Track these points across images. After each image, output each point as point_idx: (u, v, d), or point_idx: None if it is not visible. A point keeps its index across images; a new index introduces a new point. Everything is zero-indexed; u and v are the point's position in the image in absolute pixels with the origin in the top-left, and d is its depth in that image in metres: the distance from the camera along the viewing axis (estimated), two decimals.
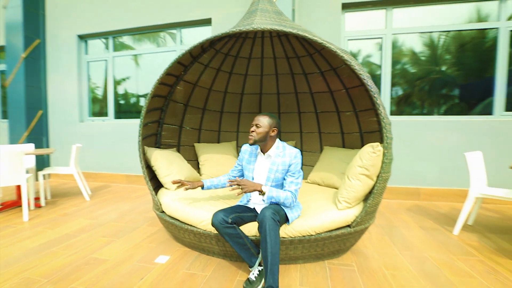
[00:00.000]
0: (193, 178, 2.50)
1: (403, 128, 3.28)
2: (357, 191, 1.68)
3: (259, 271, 1.57)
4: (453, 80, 3.54)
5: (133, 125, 4.21)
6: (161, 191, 2.16)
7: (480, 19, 3.38)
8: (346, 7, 3.48)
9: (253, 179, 1.73)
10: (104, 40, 4.56)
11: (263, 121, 1.64)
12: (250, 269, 1.59)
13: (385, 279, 1.64)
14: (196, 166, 2.87)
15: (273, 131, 1.65)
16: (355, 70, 1.66)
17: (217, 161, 2.77)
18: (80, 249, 2.00)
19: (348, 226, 1.72)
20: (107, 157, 4.38)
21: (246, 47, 2.75)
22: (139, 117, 4.34)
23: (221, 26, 3.72)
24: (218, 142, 3.10)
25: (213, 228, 1.70)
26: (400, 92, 3.59)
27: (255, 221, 1.68)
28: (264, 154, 1.71)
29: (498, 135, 3.17)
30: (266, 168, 1.69)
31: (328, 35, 3.34)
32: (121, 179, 4.36)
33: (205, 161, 2.76)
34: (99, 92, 4.68)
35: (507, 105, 3.31)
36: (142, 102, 4.46)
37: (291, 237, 1.62)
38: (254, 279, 1.52)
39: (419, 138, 3.30)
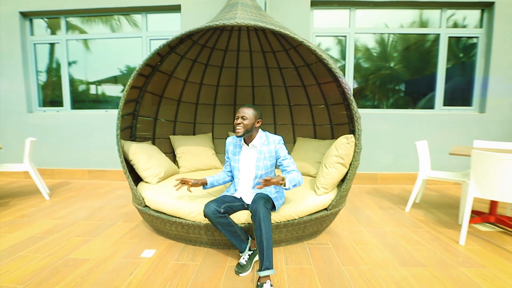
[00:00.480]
0: (172, 171, 2.47)
1: (362, 120, 3.65)
2: (333, 177, 1.88)
3: (249, 255, 1.68)
4: (400, 76, 4.02)
5: (93, 116, 3.90)
6: (142, 186, 2.11)
7: (425, 24, 3.87)
8: (314, 4, 3.66)
9: (239, 170, 1.80)
10: (48, 20, 4.05)
11: (249, 113, 1.69)
12: (241, 254, 1.70)
13: (356, 252, 1.89)
14: (173, 158, 2.83)
15: (257, 122, 1.73)
16: (332, 69, 1.82)
17: (194, 153, 2.77)
18: (54, 251, 1.87)
19: (325, 209, 1.93)
20: (65, 151, 3.99)
21: (223, 40, 2.75)
22: (95, 108, 4.04)
23: (191, 14, 3.61)
24: (194, 134, 3.07)
25: (203, 219, 1.75)
26: (355, 86, 3.95)
27: (243, 210, 1.78)
28: (248, 145, 1.79)
29: (438, 126, 3.74)
30: (253, 158, 1.78)
31: (297, 30, 3.49)
32: (82, 175, 4.04)
33: (182, 153, 2.74)
34: (48, 79, 4.18)
35: (445, 101, 3.90)
36: (93, 90, 4.12)
37: (277, 222, 1.76)
38: (245, 262, 1.64)
39: (375, 129, 3.71)
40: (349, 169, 1.89)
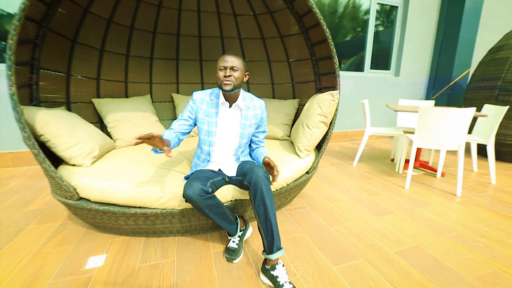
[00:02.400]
0: (108, 147, 1.83)
1: None
2: (317, 138, 1.76)
3: (239, 237, 1.43)
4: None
5: None
6: (67, 171, 1.45)
7: None
8: None
9: (215, 135, 1.42)
10: None
11: (239, 64, 1.30)
12: (230, 238, 1.43)
13: (334, 211, 1.91)
14: (101, 130, 2.11)
15: (246, 76, 1.37)
16: (319, 18, 1.57)
17: (133, 121, 2.13)
18: None
19: (307, 172, 1.82)
20: None
21: None
22: None
23: None
24: (127, 97, 2.36)
25: (177, 204, 1.35)
26: None
27: (225, 184, 1.46)
28: (230, 105, 1.42)
29: (366, 87, 4.15)
30: (237, 123, 1.43)
31: None
32: None
33: (115, 122, 2.06)
34: None
35: (372, 65, 4.32)
36: None
37: None
38: (236, 246, 1.39)
39: None
40: (329, 128, 1.79)
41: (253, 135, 1.52)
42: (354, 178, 2.60)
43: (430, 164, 2.92)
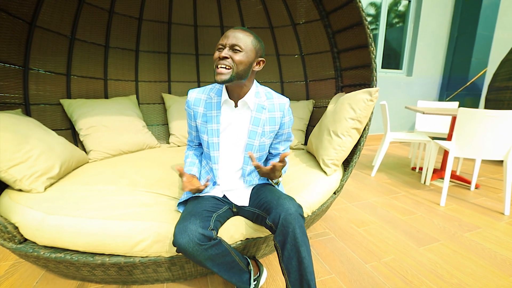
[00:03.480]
0: (76, 161, 1.41)
1: None
2: (348, 149, 1.37)
3: (254, 284, 1.02)
4: None
5: None
6: (8, 200, 1.03)
7: None
8: None
9: (218, 148, 1.03)
10: None
11: (246, 42, 0.88)
12: None
13: (364, 238, 1.53)
14: (73, 139, 1.69)
15: (258, 63, 0.96)
16: None
17: (112, 127, 1.71)
18: None
19: (334, 193, 1.43)
20: None
21: None
22: None
23: None
24: (106, 97, 1.94)
25: (164, 250, 0.94)
26: None
27: (231, 216, 1.06)
28: (236, 104, 1.02)
29: (379, 87, 3.80)
30: (245, 130, 1.03)
31: None
32: None
33: (90, 129, 1.64)
34: None
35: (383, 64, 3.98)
36: None
37: (267, 235, 1.13)
38: None
39: None
40: (361, 136, 1.41)
41: (271, 147, 1.12)
42: (377, 191, 2.22)
43: (457, 174, 2.56)
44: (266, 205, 0.90)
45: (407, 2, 3.94)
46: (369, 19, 3.80)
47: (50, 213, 0.94)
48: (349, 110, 1.33)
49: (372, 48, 1.31)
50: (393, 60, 4.15)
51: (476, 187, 2.33)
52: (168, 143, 2.06)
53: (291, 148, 1.95)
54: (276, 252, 1.06)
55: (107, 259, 0.91)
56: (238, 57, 0.87)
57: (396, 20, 4.07)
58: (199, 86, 2.30)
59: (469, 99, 4.07)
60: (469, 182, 2.36)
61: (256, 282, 1.05)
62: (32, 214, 0.95)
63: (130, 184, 1.23)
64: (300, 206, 0.86)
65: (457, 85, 4.12)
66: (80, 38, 1.69)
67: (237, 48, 0.87)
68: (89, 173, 1.33)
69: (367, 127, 1.40)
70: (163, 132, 2.15)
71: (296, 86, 2.20)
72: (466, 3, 3.92)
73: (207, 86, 1.07)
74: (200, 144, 1.16)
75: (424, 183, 2.42)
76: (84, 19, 1.66)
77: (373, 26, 3.87)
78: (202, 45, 2.20)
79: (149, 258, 0.93)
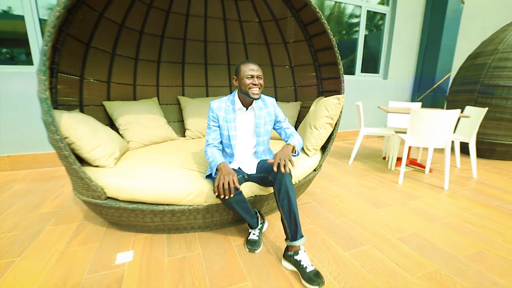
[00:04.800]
0: (125, 149, 1.89)
1: None
2: (323, 138, 1.91)
3: (259, 229, 1.55)
4: None
5: None
6: (90, 172, 1.51)
7: None
8: None
9: (236, 138, 1.55)
10: None
11: (261, 73, 1.47)
12: (251, 231, 1.55)
13: (338, 205, 2.07)
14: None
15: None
16: (326, 28, 1.72)
17: (144, 124, 2.19)
18: None
19: (314, 170, 1.96)
20: None
21: None
22: None
23: None
24: (135, 99, 2.41)
25: (203, 200, 1.46)
26: None
27: (244, 182, 1.58)
28: (247, 108, 1.55)
29: (357, 90, 4.39)
30: (252, 123, 1.56)
31: None
32: None
33: (127, 124, 2.11)
34: None
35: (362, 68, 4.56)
36: None
37: (271, 192, 1.66)
38: (257, 238, 1.51)
39: None
40: (334, 129, 1.95)
41: (277, 127, 1.64)
42: (351, 175, 2.78)
43: (418, 161, 3.16)
44: (268, 169, 1.42)
45: (383, 14, 4.52)
46: (355, 26, 4.37)
47: (127, 179, 1.44)
48: (324, 110, 1.87)
49: (340, 67, 1.85)
50: (371, 64, 4.73)
51: (430, 171, 2.93)
52: (184, 136, 2.54)
53: (281, 140, 2.47)
54: (272, 215, 1.59)
55: (166, 207, 1.41)
56: (261, 82, 1.44)
57: (375, 29, 4.65)
58: (207, 90, 2.79)
59: (436, 100, 4.71)
60: (424, 167, 2.96)
61: (261, 225, 1.58)
62: (114, 180, 1.43)
63: (169, 162, 1.72)
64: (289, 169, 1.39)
65: (426, 87, 4.75)
66: (118, 53, 2.16)
67: (260, 76, 1.43)
68: (136, 157, 1.82)
69: (338, 122, 1.93)
70: (179, 128, 2.64)
71: (286, 90, 2.73)
72: (433, 17, 4.54)
73: (222, 98, 1.58)
74: (218, 143, 1.56)
75: (390, 168, 3.00)
76: (122, 39, 2.13)
77: (355, 36, 4.44)
78: (210, 56, 2.69)
79: (193, 206, 1.44)
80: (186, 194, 1.41)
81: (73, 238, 1.59)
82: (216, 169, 1.40)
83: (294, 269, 1.30)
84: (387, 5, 4.49)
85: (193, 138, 2.51)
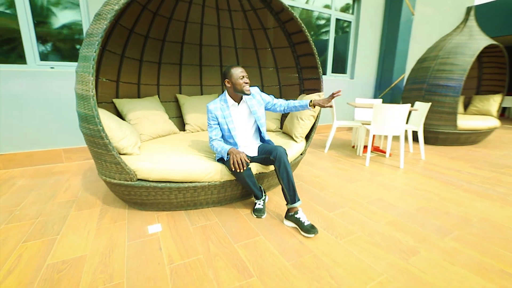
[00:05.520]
0: (135, 141, 2.15)
1: None
2: (307, 128, 2.36)
3: (263, 200, 1.95)
4: None
5: None
6: (122, 160, 1.77)
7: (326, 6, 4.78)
8: None
9: (235, 129, 1.89)
10: None
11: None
12: (256, 201, 1.93)
13: (320, 183, 2.54)
14: None
15: None
16: (308, 39, 2.16)
17: (151, 119, 2.45)
18: (23, 261, 1.39)
19: (301, 154, 2.41)
20: None
21: None
22: None
23: None
24: (139, 97, 2.64)
25: (220, 177, 1.81)
26: None
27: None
28: (238, 103, 1.89)
29: (329, 88, 4.96)
30: (246, 112, 1.93)
31: None
32: None
33: (137, 119, 2.36)
34: None
35: (333, 69, 5.15)
36: None
37: (271, 170, 2.06)
38: (262, 206, 1.90)
39: None
40: (316, 120, 2.41)
41: (271, 106, 2.04)
42: (328, 161, 3.30)
43: (381, 148, 3.79)
44: (268, 150, 1.81)
45: (349, 22, 5.15)
46: (322, 28, 4.92)
47: (156, 163, 1.74)
48: None
49: (320, 70, 2.30)
50: (339, 65, 5.35)
51: (390, 155, 3.56)
52: (184, 130, 2.84)
53: (272, 131, 2.89)
54: (272, 190, 2.00)
55: (191, 184, 1.74)
56: (249, 81, 1.79)
57: (341, 32, 5.27)
58: (201, 88, 3.10)
59: (394, 97, 5.48)
60: (384, 152, 3.59)
61: (264, 197, 1.97)
62: (145, 164, 1.72)
63: (183, 150, 2.04)
64: (285, 150, 1.79)
65: (386, 86, 5.50)
66: (127, 56, 2.39)
67: (247, 76, 1.79)
68: (152, 147, 2.10)
69: (318, 115, 2.39)
70: (178, 123, 2.92)
71: (272, 89, 3.14)
72: (389, 26, 5.28)
73: (215, 99, 1.91)
74: (220, 137, 1.92)
75: (358, 154, 3.58)
76: (131, 43, 2.37)
77: (323, 37, 4.99)
78: (204, 58, 3.00)
79: (213, 182, 1.78)
80: (207, 172, 1.76)
81: (100, 218, 1.84)
82: (227, 153, 1.76)
83: (294, 225, 1.72)
84: (352, 13, 5.13)
85: (192, 132, 2.82)
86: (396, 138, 4.67)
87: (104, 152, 1.64)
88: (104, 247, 1.52)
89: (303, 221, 1.66)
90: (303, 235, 1.64)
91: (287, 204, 1.75)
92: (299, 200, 1.73)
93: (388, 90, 5.46)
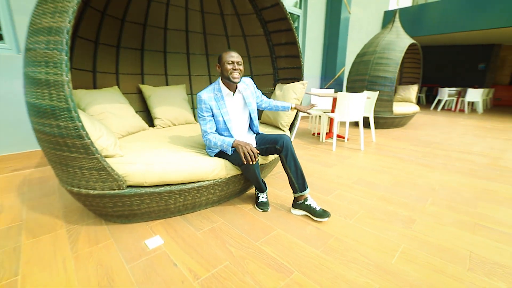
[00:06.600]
0: (114, 139, 1.77)
1: None
2: (292, 116, 2.38)
3: (266, 193, 1.88)
4: None
5: None
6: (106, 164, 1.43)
7: None
8: None
9: (230, 120, 1.75)
10: None
11: (241, 59, 1.68)
12: (259, 194, 1.85)
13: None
14: None
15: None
16: (292, 27, 2.15)
17: (117, 114, 2.04)
18: None
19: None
20: None
21: None
22: None
23: None
24: (95, 88, 2.16)
25: (226, 173, 1.66)
26: None
27: None
28: (234, 93, 1.76)
29: None
30: (240, 103, 1.82)
31: None
32: None
33: (100, 115, 1.93)
34: None
35: None
36: None
37: (269, 161, 2.01)
38: (266, 199, 1.85)
39: None
40: None
41: (259, 101, 2.01)
42: (298, 149, 3.43)
43: (339, 134, 4.15)
44: (272, 140, 1.74)
45: (298, 16, 5.37)
46: None
47: (150, 164, 1.46)
48: (292, 93, 2.32)
49: (302, 59, 2.33)
50: None
51: (348, 140, 3.94)
52: (154, 126, 2.48)
53: None
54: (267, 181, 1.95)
55: (195, 184, 1.54)
56: (241, 68, 1.68)
57: None
58: (166, 79, 2.75)
59: (337, 88, 6.06)
60: (344, 137, 3.95)
61: (267, 190, 1.91)
62: (137, 167, 1.43)
63: (172, 147, 1.78)
64: (289, 137, 1.76)
65: (330, 78, 6.03)
66: (79, 35, 1.90)
67: (240, 62, 1.66)
68: (130, 146, 1.76)
69: (300, 102, 2.44)
70: (144, 117, 2.53)
71: None
72: (331, 22, 5.76)
73: (208, 87, 1.74)
74: (215, 130, 1.73)
75: (322, 141, 3.84)
76: (85, 20, 1.89)
77: None
78: (170, 44, 2.66)
79: (218, 179, 1.61)
80: (212, 169, 1.58)
81: (73, 242, 1.45)
82: (232, 146, 1.61)
83: (304, 213, 1.72)
84: (300, 8, 5.37)
85: (163, 127, 2.49)
86: (351, 124, 5.19)
87: (81, 156, 1.29)
88: (98, 278, 1.20)
89: (314, 207, 1.68)
90: (316, 220, 1.66)
91: (295, 193, 1.74)
92: (308, 187, 1.73)
93: (332, 81, 5.99)
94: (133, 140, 1.93)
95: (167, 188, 1.48)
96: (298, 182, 1.71)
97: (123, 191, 1.41)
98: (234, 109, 1.79)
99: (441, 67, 10.69)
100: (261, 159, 1.89)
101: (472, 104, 8.48)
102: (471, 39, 8.37)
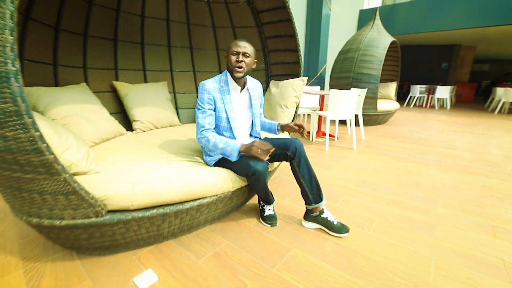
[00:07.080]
0: (86, 151, 1.41)
1: None
2: (292, 115, 2.18)
3: (273, 206, 1.66)
4: None
5: None
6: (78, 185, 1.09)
7: None
8: None
9: (234, 119, 1.50)
10: None
11: (251, 50, 1.42)
12: (266, 207, 1.62)
13: None
14: None
15: (254, 63, 1.50)
16: (291, 17, 1.93)
17: (87, 117, 1.66)
18: None
19: None
20: None
21: None
22: None
23: None
24: (57, 85, 1.75)
25: (231, 187, 1.40)
26: None
27: None
28: (241, 90, 1.52)
29: None
30: (246, 103, 1.57)
31: None
32: None
33: (66, 118, 1.55)
34: None
35: None
36: None
37: (275, 167, 1.80)
38: (273, 212, 1.63)
39: None
40: (297, 107, 2.25)
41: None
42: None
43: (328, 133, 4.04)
44: (282, 145, 1.51)
45: None
46: None
47: (139, 183, 1.15)
48: (292, 90, 2.12)
49: (300, 53, 2.13)
50: None
51: (337, 138, 3.85)
52: (132, 130, 2.12)
53: None
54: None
55: (194, 203, 1.26)
56: (248, 60, 1.41)
57: None
58: (145, 75, 2.39)
59: (320, 86, 6.00)
60: (333, 136, 3.85)
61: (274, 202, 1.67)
62: (121, 187, 1.11)
63: (159, 157, 1.47)
64: (301, 142, 1.55)
65: (313, 75, 5.95)
66: (33, 17, 1.49)
67: (247, 54, 1.40)
68: (108, 157, 1.42)
69: (299, 101, 2.24)
70: (120, 120, 2.15)
71: None
72: (313, 19, 5.67)
73: (214, 77, 1.49)
74: (214, 128, 1.47)
75: (312, 140, 3.70)
76: (39, 3, 1.49)
77: None
78: (147, 35, 2.30)
79: (221, 194, 1.35)
80: (214, 183, 1.31)
81: (37, 286, 1.12)
82: (239, 151, 1.36)
83: (317, 226, 1.53)
84: None
85: (144, 131, 2.14)
86: (340, 122, 5.13)
87: (41, 177, 0.95)
88: None
89: (332, 221, 1.48)
90: (334, 235, 1.47)
91: (308, 205, 1.53)
92: (323, 198, 1.53)
93: (314, 79, 5.92)
94: (110, 148, 1.59)
95: (160, 210, 1.18)
96: (312, 192, 1.50)
97: (102, 218, 1.09)
98: (239, 108, 1.53)
99: (410, 65, 11.26)
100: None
101: (441, 100, 9.01)
102: (436, 39, 8.87)
